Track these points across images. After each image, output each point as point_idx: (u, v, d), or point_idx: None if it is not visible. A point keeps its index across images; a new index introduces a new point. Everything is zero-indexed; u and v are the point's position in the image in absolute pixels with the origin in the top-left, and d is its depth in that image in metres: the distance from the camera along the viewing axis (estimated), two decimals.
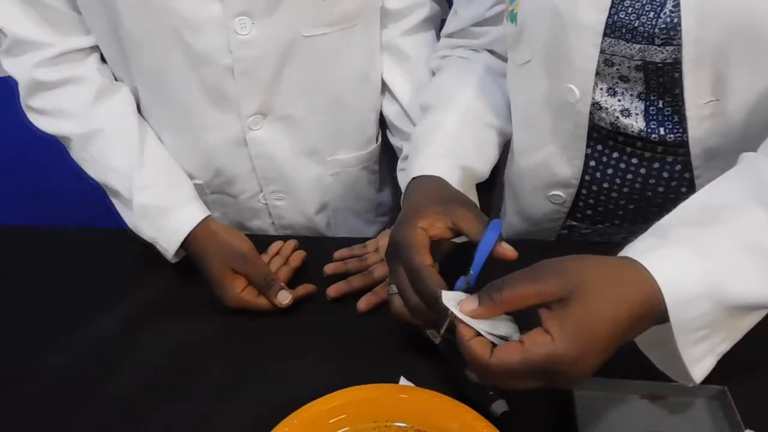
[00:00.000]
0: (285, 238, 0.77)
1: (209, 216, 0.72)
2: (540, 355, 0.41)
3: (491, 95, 0.71)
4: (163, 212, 0.72)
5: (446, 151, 0.64)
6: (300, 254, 0.74)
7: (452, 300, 0.47)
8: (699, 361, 0.45)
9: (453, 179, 0.61)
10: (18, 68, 0.72)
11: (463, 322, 0.45)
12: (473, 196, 0.68)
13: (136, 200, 0.72)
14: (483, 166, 0.68)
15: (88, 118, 0.73)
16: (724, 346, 0.46)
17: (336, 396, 0.55)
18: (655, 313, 0.42)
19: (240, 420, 0.57)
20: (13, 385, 0.62)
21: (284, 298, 0.66)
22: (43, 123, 0.75)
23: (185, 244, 0.71)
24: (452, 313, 0.46)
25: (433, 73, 0.78)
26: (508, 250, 0.51)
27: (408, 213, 0.56)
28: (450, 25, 0.77)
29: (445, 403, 0.55)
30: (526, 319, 0.45)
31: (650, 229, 0.47)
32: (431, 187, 0.60)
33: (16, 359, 0.65)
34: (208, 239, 0.70)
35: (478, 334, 0.45)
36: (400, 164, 0.83)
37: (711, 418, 0.55)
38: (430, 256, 0.52)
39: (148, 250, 0.77)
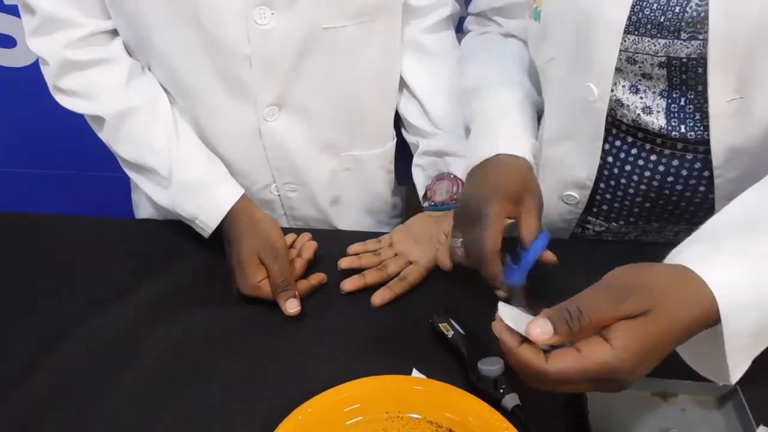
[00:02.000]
0: (298, 231, 0.78)
1: (245, 194, 0.74)
2: (598, 364, 0.41)
3: (532, 74, 0.73)
4: (205, 187, 0.73)
5: (523, 131, 0.67)
6: (312, 245, 0.74)
7: (509, 315, 0.46)
8: (740, 365, 0.45)
9: (532, 159, 0.64)
10: (48, 48, 0.71)
11: (509, 330, 0.45)
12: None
13: (176, 176, 0.73)
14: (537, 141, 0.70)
15: (123, 97, 0.73)
16: (761, 348, 0.46)
17: (350, 386, 0.56)
18: (708, 324, 0.43)
19: (254, 409, 0.58)
20: (31, 373, 0.62)
21: (292, 306, 0.66)
22: (73, 104, 0.74)
23: (222, 221, 0.72)
24: (504, 323, 0.45)
25: (466, 51, 0.80)
26: (551, 258, 0.60)
27: (496, 186, 0.60)
28: (483, 3, 0.79)
29: (457, 396, 0.55)
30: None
31: (699, 235, 0.47)
32: (518, 168, 0.63)
33: (33, 347, 0.65)
34: (249, 222, 0.71)
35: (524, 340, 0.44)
36: (416, 160, 0.83)
37: (723, 416, 0.55)
38: (500, 236, 0.57)
39: (162, 242, 0.79)
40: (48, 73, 0.73)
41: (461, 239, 0.61)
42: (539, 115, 0.73)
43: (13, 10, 1.26)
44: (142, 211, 0.90)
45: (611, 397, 0.57)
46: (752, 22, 0.53)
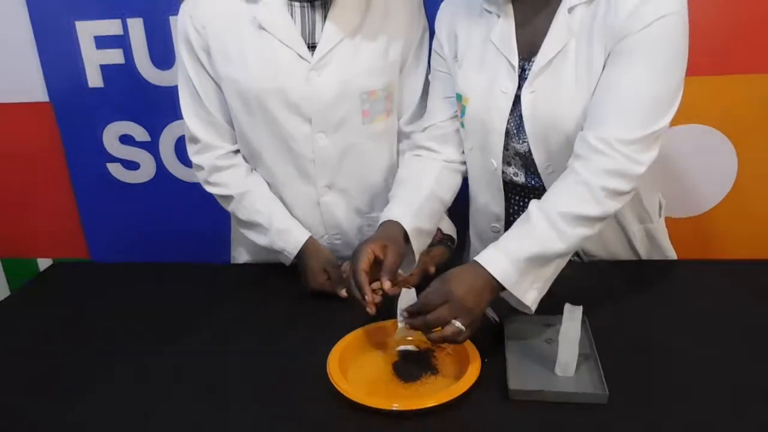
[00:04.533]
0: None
1: (311, 235, 1.25)
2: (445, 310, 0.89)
3: (446, 181, 1.19)
4: (290, 231, 1.24)
5: (411, 211, 1.08)
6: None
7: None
8: (525, 294, 0.93)
9: (409, 228, 1.06)
10: (204, 160, 1.26)
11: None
12: (422, 243, 1.12)
13: (274, 226, 1.23)
14: (432, 226, 1.14)
15: (243, 185, 1.26)
16: (538, 285, 0.94)
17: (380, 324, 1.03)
18: (491, 279, 0.91)
19: (316, 361, 0.99)
20: (171, 345, 1.06)
21: (344, 293, 1.15)
22: (216, 190, 1.27)
23: (300, 251, 1.21)
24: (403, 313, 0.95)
25: (405, 160, 1.25)
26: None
27: (371, 237, 1.03)
28: (427, 121, 1.22)
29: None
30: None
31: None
32: (392, 230, 1.05)
33: (170, 332, 1.09)
34: (315, 250, 1.22)
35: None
36: None
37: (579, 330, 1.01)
38: (368, 265, 0.98)
39: (258, 274, 1.29)
40: (201, 174, 1.27)
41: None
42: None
43: (146, 145, 1.86)
44: (241, 258, 1.41)
45: (517, 325, 1.02)
46: (544, 134, 1.04)
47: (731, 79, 1.64)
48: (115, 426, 0.89)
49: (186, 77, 1.23)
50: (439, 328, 0.91)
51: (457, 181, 1.23)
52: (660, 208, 1.26)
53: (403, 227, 1.07)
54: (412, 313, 0.92)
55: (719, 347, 0.97)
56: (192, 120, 1.25)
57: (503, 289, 0.93)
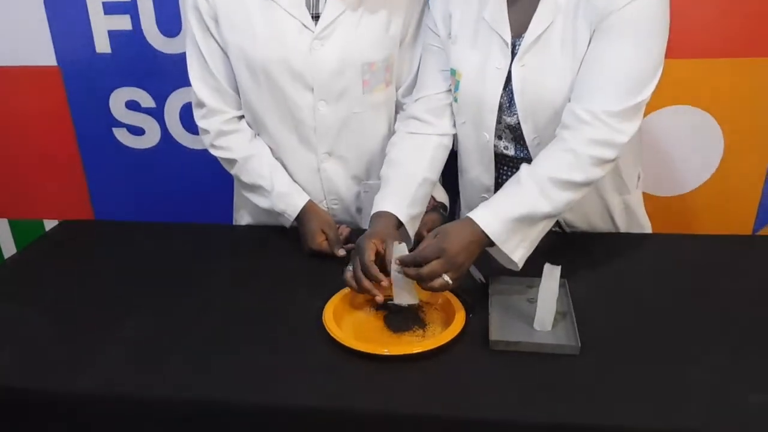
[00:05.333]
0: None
1: (310, 199, 1.31)
2: (439, 260, 0.97)
3: (437, 162, 1.24)
4: (289, 195, 1.30)
5: (406, 203, 1.16)
6: (348, 229, 1.32)
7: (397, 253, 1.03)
8: (514, 251, 1.01)
9: (404, 219, 1.14)
10: (210, 124, 1.32)
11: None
12: (415, 225, 1.20)
13: (275, 190, 1.30)
14: (423, 207, 1.21)
15: (247, 149, 1.32)
16: (526, 244, 1.01)
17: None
18: (483, 237, 0.98)
19: (313, 309, 1.09)
20: (172, 311, 1.10)
21: (342, 252, 1.22)
22: (221, 153, 1.33)
23: (299, 213, 1.28)
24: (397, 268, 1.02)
25: (398, 139, 1.28)
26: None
27: (371, 232, 1.09)
28: (421, 92, 1.26)
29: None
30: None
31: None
32: (388, 223, 1.13)
33: (155, 302, 1.12)
34: (314, 212, 1.29)
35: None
36: None
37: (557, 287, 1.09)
38: (374, 256, 1.03)
39: (258, 235, 1.36)
40: (207, 138, 1.33)
41: (350, 266, 1.05)
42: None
43: (152, 111, 1.91)
44: (243, 221, 1.48)
45: (499, 285, 1.10)
46: (532, 106, 1.11)
47: (721, 62, 1.70)
48: (130, 374, 0.96)
49: (194, 44, 1.28)
50: None
51: (445, 157, 1.29)
52: (638, 179, 1.33)
53: (398, 218, 1.14)
54: (405, 263, 1.00)
55: (690, 310, 1.05)
56: (199, 85, 1.31)
57: (491, 245, 1.00)
